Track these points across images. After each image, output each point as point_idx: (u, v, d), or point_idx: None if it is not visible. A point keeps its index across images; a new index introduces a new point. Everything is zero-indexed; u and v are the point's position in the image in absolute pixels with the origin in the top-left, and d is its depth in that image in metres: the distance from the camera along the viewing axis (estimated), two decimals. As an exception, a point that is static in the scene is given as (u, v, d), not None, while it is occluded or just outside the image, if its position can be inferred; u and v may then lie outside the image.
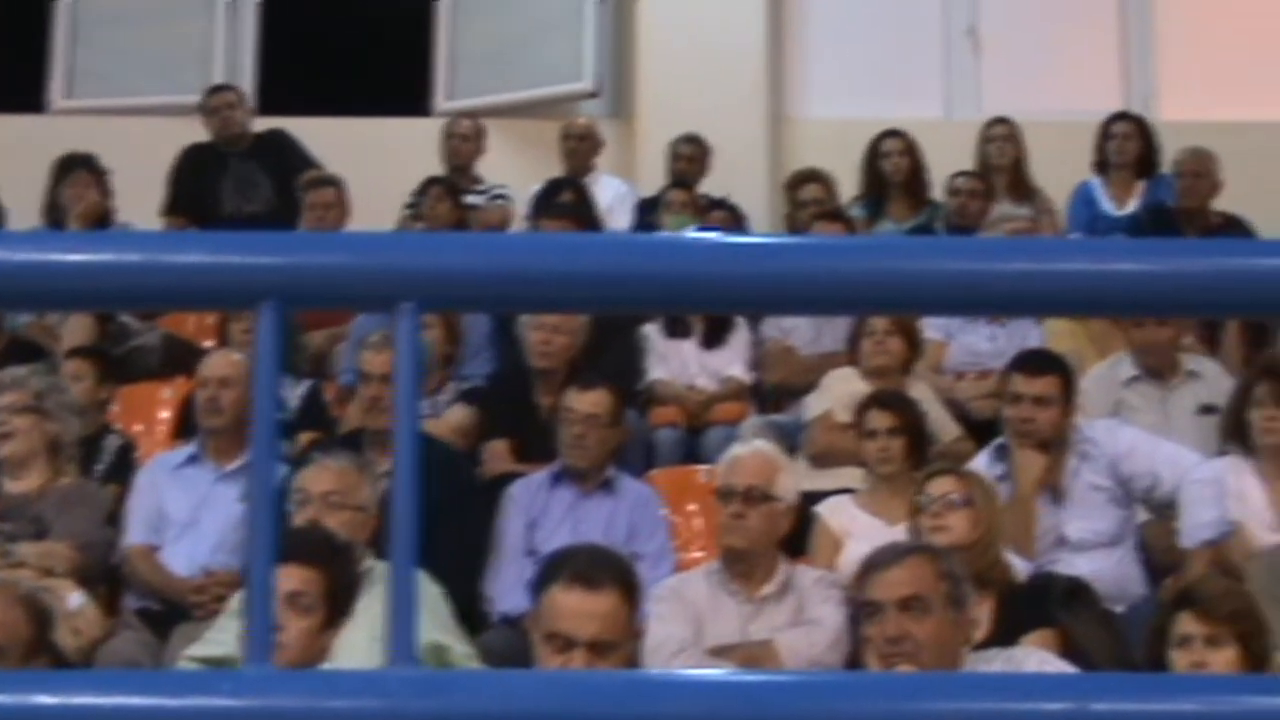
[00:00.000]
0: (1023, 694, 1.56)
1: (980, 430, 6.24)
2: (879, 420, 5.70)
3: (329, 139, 9.05)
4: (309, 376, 6.95)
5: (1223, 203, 8.23)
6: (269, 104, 9.71)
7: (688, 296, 1.56)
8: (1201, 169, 8.10)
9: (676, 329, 7.15)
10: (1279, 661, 4.42)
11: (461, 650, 4.79)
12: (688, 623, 4.96)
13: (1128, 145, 8.55)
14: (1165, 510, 5.65)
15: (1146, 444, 5.70)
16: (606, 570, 3.90)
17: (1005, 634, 4.64)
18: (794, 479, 5.32)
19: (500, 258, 1.47)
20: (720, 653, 4.89)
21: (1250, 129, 9.29)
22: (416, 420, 1.44)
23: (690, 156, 8.93)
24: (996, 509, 4.95)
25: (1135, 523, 5.75)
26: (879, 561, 4.04)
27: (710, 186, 8.87)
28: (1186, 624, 4.08)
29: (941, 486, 4.87)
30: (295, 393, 6.65)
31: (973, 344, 7.01)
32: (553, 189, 8.47)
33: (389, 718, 1.36)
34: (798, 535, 5.54)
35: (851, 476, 5.95)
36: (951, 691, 1.59)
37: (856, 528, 5.52)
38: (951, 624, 3.99)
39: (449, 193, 8.36)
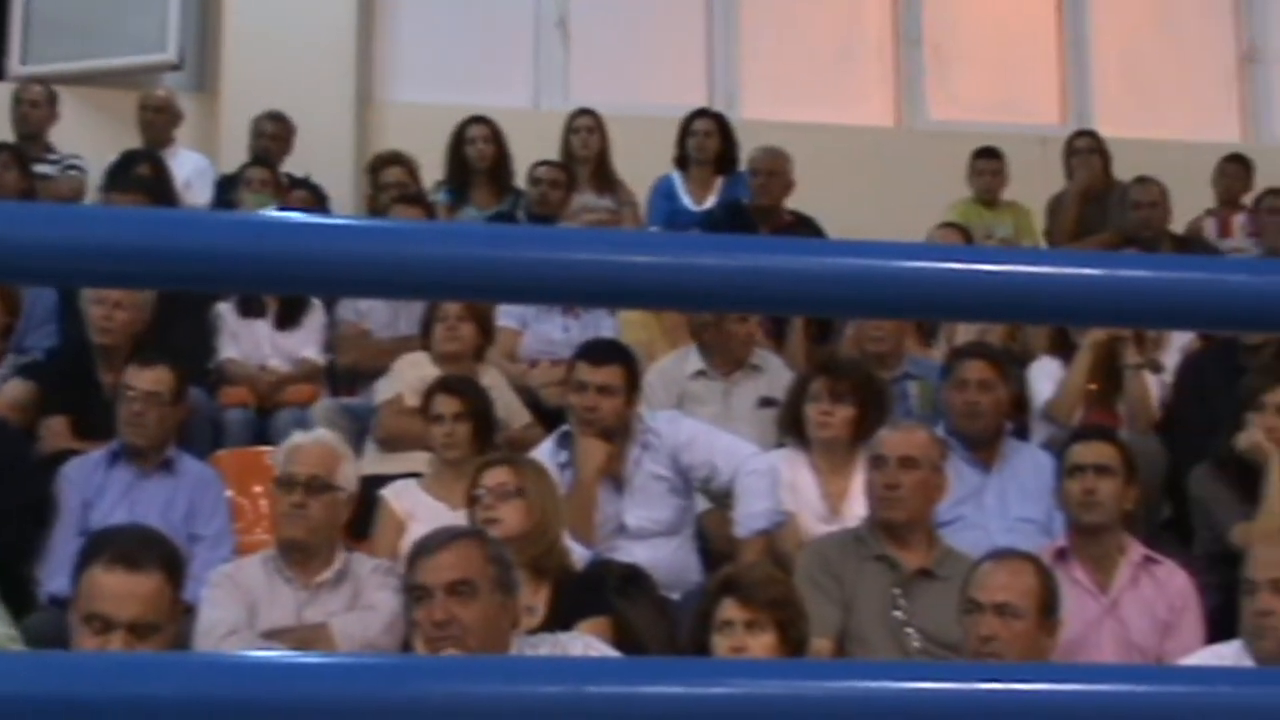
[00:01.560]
0: (526, 678, 1.57)
1: (551, 418, 6.29)
2: (445, 405, 5.70)
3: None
4: None
5: (796, 201, 8.47)
6: None
7: (256, 275, 1.52)
8: (775, 168, 8.31)
9: (250, 308, 7.03)
10: (816, 646, 4.58)
11: (3, 632, 4.62)
12: (242, 607, 4.88)
13: (708, 142, 8.72)
14: (723, 500, 5.78)
15: (706, 435, 5.83)
16: (149, 551, 3.82)
17: (560, 620, 4.69)
18: (354, 467, 5.28)
19: (63, 229, 1.42)
20: (274, 635, 4.83)
21: (823, 130, 9.60)
22: None
23: (273, 134, 8.80)
24: (554, 498, 4.99)
25: (694, 512, 5.88)
26: (427, 546, 4.05)
27: (293, 165, 8.75)
28: (729, 610, 4.19)
29: (495, 477, 4.89)
30: None
31: (547, 333, 7.06)
32: (128, 161, 8.22)
33: None
34: (363, 518, 5.51)
35: (420, 461, 5.94)
36: (454, 675, 1.59)
37: (420, 512, 5.51)
38: (499, 608, 4.02)
39: (16, 160, 8.05)
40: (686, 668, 1.80)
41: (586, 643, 4.27)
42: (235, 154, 8.82)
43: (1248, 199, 9.20)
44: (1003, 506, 5.75)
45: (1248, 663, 4.33)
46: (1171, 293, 1.62)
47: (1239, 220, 9.22)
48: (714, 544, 5.86)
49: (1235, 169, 9.40)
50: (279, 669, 1.52)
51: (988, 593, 4.34)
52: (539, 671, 1.62)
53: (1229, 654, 4.44)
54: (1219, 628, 4.91)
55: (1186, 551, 5.78)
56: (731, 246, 1.54)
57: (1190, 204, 9.13)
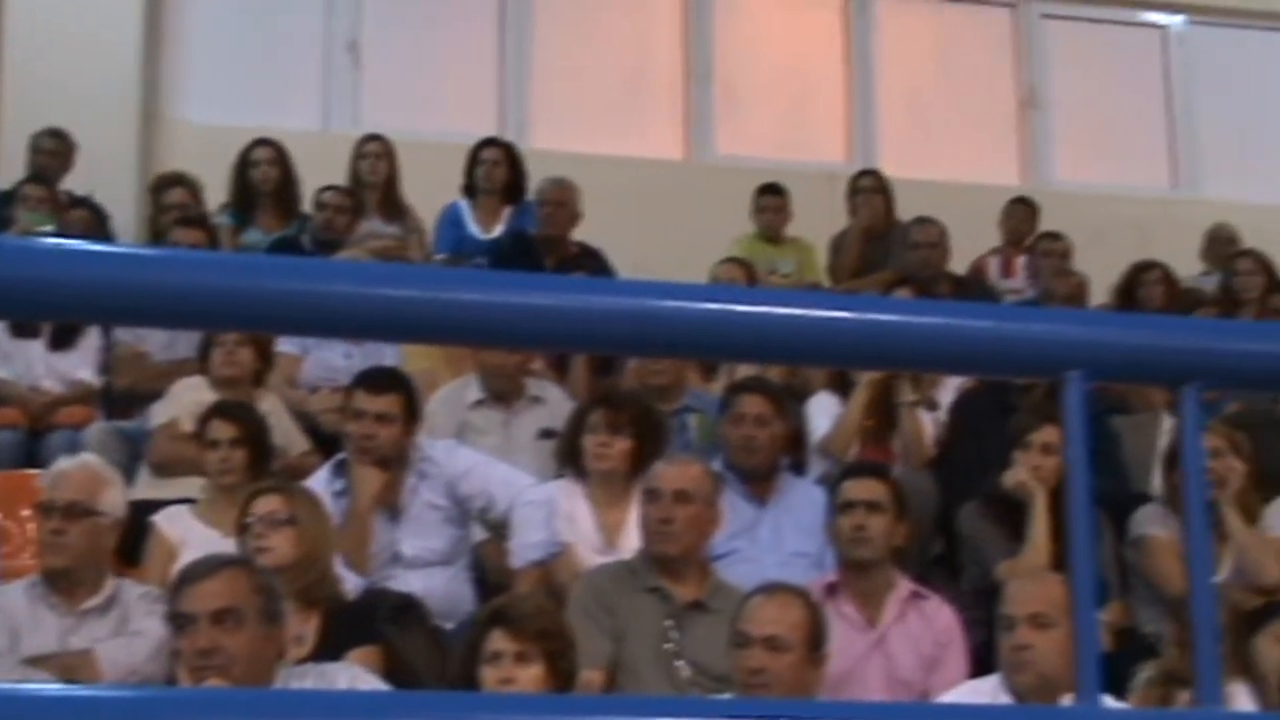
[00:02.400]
0: (282, 711, 1.56)
1: (331, 444, 6.23)
2: (221, 431, 5.64)
3: None
4: None
5: (583, 233, 8.50)
6: None
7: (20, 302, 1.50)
8: (562, 198, 8.33)
9: (23, 329, 6.89)
10: (587, 678, 4.59)
11: None
12: (2, 634, 4.78)
13: (495, 171, 8.70)
14: (499, 530, 5.78)
15: (483, 465, 5.82)
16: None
17: (330, 649, 4.65)
18: (122, 492, 5.20)
19: None
20: (36, 663, 4.73)
21: (612, 163, 9.65)
22: None
23: (52, 151, 8.62)
24: (325, 527, 4.95)
25: (470, 542, 5.86)
26: (192, 574, 4.00)
27: (74, 183, 8.59)
28: (497, 641, 4.18)
29: (266, 505, 4.84)
30: None
31: (329, 359, 7.00)
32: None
33: None
34: (135, 544, 5.43)
35: (195, 486, 5.85)
36: (208, 707, 1.58)
37: (192, 538, 5.44)
38: (265, 638, 3.98)
39: None
40: (444, 702, 1.80)
41: (353, 674, 4.24)
42: (12, 170, 8.62)
43: (1030, 240, 9.42)
44: (777, 540, 5.81)
45: (1005, 697, 4.42)
46: (919, 336, 1.66)
47: (1021, 261, 9.42)
48: (490, 574, 5.85)
49: (1021, 210, 9.62)
50: (26, 700, 1.48)
51: (757, 625, 4.38)
52: (296, 704, 1.61)
53: (986, 689, 4.53)
54: (984, 663, 5.01)
55: (956, 587, 5.89)
56: (503, 283, 1.55)
57: (970, 245, 9.31)
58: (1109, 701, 4.56)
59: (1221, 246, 9.44)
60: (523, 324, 1.53)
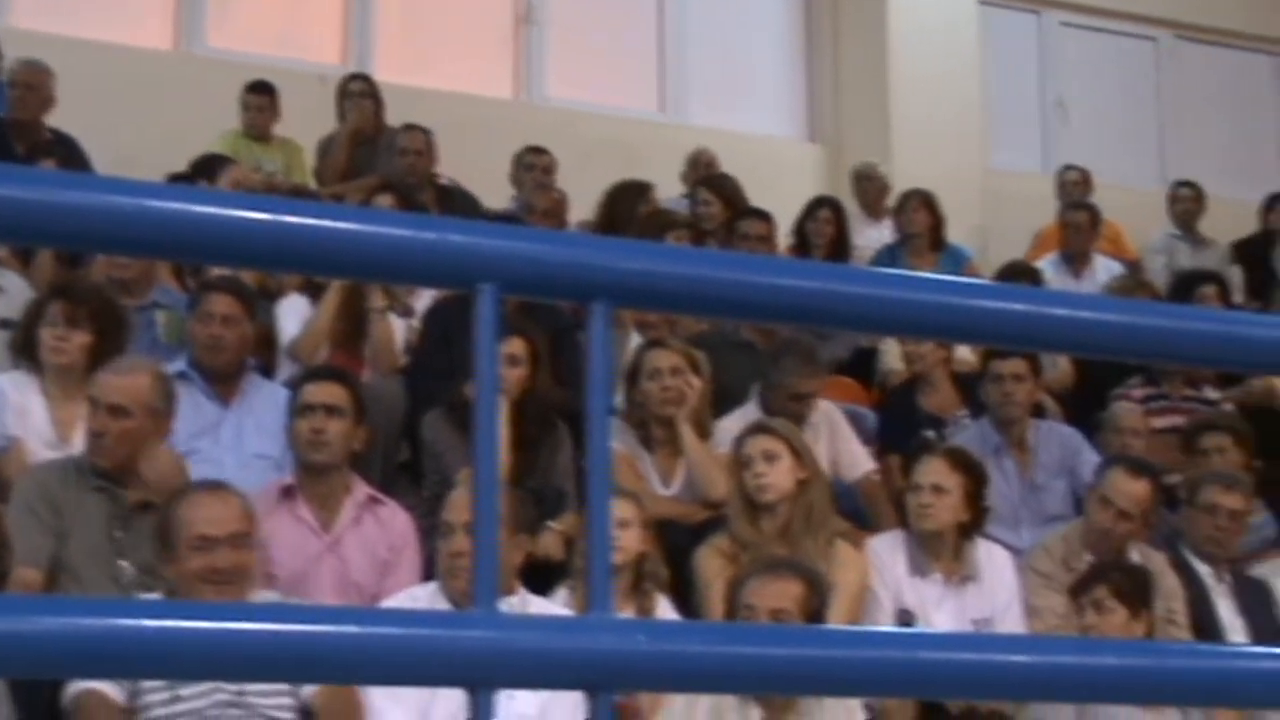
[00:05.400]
0: None
1: None
2: None
3: None
4: None
5: (63, 120, 8.19)
6: None
7: None
8: (34, 81, 8.02)
9: None
10: (25, 576, 4.47)
11: None
12: None
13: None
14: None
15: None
16: None
17: None
18: None
19: None
20: None
21: (96, 48, 9.31)
22: None
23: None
24: None
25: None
26: None
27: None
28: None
29: None
30: None
31: None
32: None
33: None
34: None
35: None
36: None
37: None
38: None
39: None
40: None
41: None
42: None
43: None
44: (239, 441, 5.75)
45: (443, 603, 4.48)
46: (336, 240, 1.65)
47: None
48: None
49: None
50: None
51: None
52: None
53: (424, 595, 4.58)
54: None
55: (419, 493, 5.93)
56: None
57: (460, 154, 9.34)
58: (541, 603, 4.69)
59: (700, 171, 9.72)
60: None
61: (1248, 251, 10.38)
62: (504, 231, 1.79)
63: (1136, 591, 5.21)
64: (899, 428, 7.07)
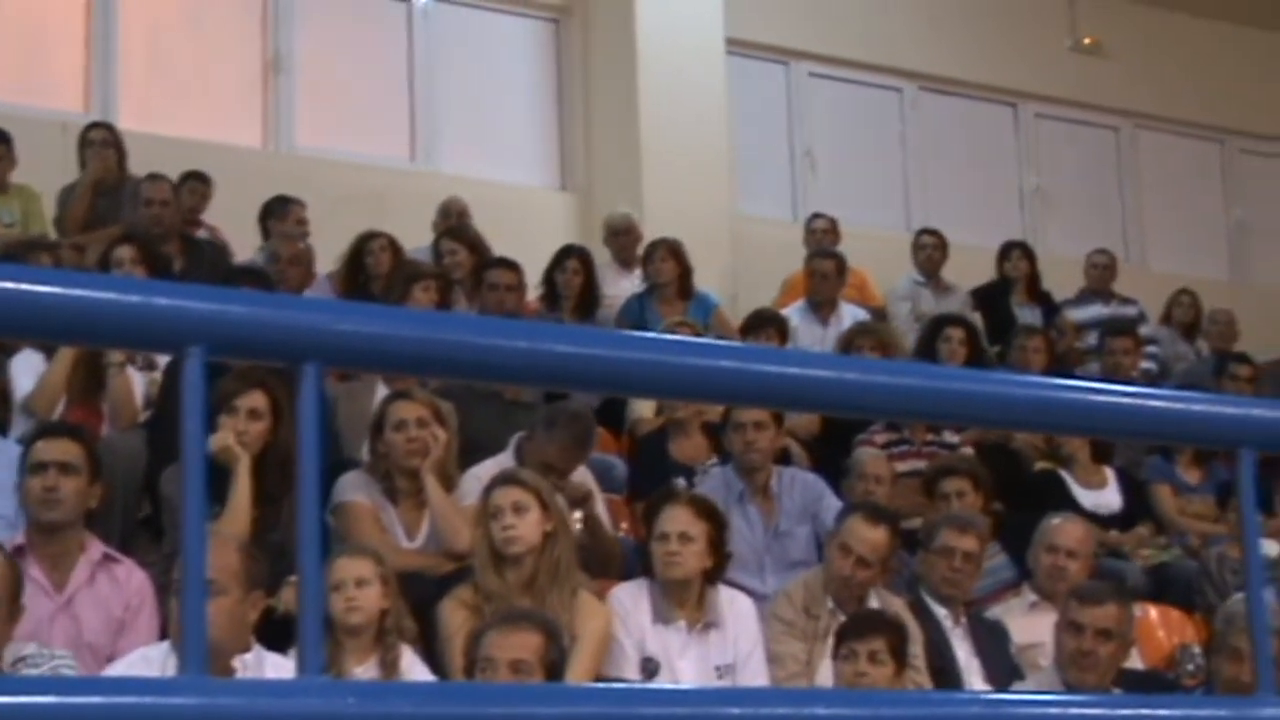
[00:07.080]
0: None
1: None
2: None
3: None
4: None
5: None
6: None
7: None
8: None
9: None
10: None
11: None
12: None
13: None
14: None
15: None
16: None
17: None
18: None
19: None
20: None
21: None
22: None
23: None
24: None
25: None
26: None
27: None
28: None
29: None
30: None
31: None
32: None
33: None
34: None
35: None
36: None
37: None
38: None
39: None
40: None
41: None
42: None
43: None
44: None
45: (173, 661, 4.40)
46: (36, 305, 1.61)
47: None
48: None
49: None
50: None
51: None
52: None
53: (157, 656, 4.50)
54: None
55: (159, 550, 5.82)
56: None
57: (211, 204, 9.25)
58: (277, 660, 4.63)
59: (452, 220, 9.71)
60: None
61: (987, 297, 10.68)
62: (212, 294, 1.76)
63: (903, 647, 5.34)
64: (649, 476, 7.11)
